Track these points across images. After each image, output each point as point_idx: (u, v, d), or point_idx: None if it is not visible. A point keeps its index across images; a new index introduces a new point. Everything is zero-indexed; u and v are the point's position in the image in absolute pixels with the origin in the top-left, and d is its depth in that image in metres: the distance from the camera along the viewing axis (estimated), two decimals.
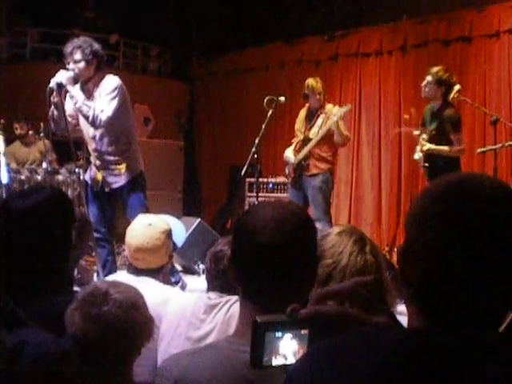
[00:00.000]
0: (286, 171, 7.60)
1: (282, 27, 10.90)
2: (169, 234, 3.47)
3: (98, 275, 5.32)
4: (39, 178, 7.83)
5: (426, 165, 6.53)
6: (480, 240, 1.10)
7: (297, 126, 7.62)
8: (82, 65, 5.55)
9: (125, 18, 11.36)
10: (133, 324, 2.13)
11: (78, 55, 5.56)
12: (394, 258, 8.91)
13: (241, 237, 1.78)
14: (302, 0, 10.65)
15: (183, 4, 12.35)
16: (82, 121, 5.74)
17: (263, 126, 6.77)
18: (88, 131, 5.80)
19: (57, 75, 5.47)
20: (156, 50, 12.38)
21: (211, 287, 2.83)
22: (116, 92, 5.59)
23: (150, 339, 2.23)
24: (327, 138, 7.23)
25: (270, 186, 9.42)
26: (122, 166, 5.77)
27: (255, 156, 6.65)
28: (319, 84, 7.40)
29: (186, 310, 2.81)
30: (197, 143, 12.51)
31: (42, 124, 8.54)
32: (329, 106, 7.37)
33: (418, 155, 6.54)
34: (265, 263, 1.71)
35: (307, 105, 7.53)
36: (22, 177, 7.78)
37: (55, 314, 1.61)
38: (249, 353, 1.58)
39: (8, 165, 7.89)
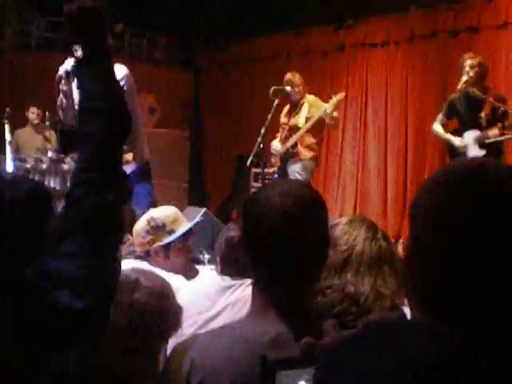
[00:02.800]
0: (272, 160, 7.64)
1: (289, 17, 10.84)
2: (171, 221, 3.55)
3: None
4: (44, 166, 7.81)
5: None
6: (486, 227, 1.06)
7: (282, 120, 7.69)
8: None
9: (130, 7, 11.32)
10: (162, 312, 2.12)
11: None
12: (399, 250, 8.90)
13: (252, 218, 1.77)
14: None
15: None
16: None
17: (269, 116, 6.77)
18: None
19: (65, 63, 5.45)
20: (162, 40, 12.34)
21: (225, 272, 2.83)
22: (123, 81, 5.56)
23: (177, 328, 2.22)
24: (314, 127, 7.31)
25: (276, 176, 9.39)
26: (128, 155, 5.76)
27: (261, 146, 6.65)
28: (297, 77, 7.54)
29: (200, 292, 2.82)
30: (202, 133, 12.49)
31: (47, 113, 8.54)
32: (310, 97, 7.49)
33: None
34: (277, 244, 1.70)
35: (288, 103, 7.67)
36: (28, 165, 7.76)
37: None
38: (268, 333, 1.59)
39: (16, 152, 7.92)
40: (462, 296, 1.08)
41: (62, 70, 5.40)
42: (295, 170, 7.31)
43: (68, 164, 7.95)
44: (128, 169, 5.77)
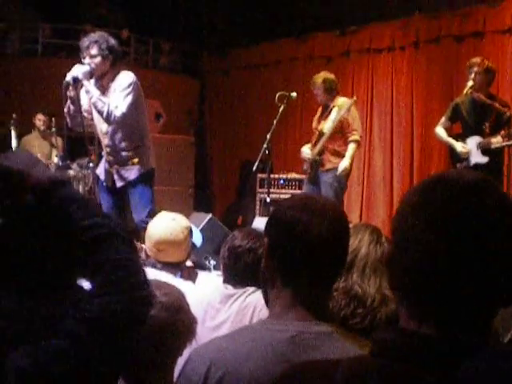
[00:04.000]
0: (304, 167, 7.55)
1: (293, 22, 10.86)
2: (190, 231, 3.51)
3: None
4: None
5: None
6: (464, 236, 1.09)
7: (313, 124, 7.60)
8: (97, 60, 5.56)
9: (136, 14, 11.37)
10: (179, 326, 2.12)
11: (94, 50, 5.57)
12: None
13: (282, 226, 1.80)
14: None
15: (194, 0, 12.34)
16: (95, 116, 5.75)
17: (275, 122, 6.75)
18: (101, 127, 5.82)
19: (73, 69, 5.48)
20: (167, 46, 12.38)
21: (229, 282, 2.84)
22: (131, 88, 5.60)
23: (192, 339, 2.22)
24: (341, 132, 7.18)
25: (281, 182, 9.39)
26: (135, 161, 5.78)
27: (266, 152, 6.63)
28: (319, 79, 7.38)
29: (203, 300, 2.82)
30: (208, 139, 12.50)
31: (53, 119, 8.57)
32: (340, 100, 7.32)
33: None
34: (304, 256, 1.74)
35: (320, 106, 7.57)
36: None
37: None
38: (289, 331, 1.61)
39: None
40: (443, 299, 1.11)
41: (69, 77, 5.43)
42: (327, 182, 7.19)
43: (74, 170, 7.98)
44: (132, 174, 5.79)
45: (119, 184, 5.83)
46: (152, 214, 4.93)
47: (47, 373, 1.50)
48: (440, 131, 7.05)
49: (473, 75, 6.55)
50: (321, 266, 1.76)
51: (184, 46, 12.63)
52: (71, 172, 7.99)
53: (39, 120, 8.99)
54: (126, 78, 5.66)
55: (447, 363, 1.05)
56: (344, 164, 7.08)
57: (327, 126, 7.22)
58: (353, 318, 2.27)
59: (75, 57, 11.04)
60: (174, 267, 3.39)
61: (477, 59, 6.77)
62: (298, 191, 8.83)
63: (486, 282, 1.09)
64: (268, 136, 6.67)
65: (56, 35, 11.45)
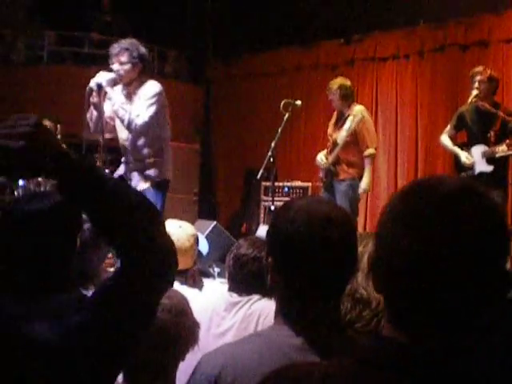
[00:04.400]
0: (320, 174, 7.54)
1: (298, 31, 10.88)
2: (196, 238, 3.52)
3: None
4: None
5: None
6: (449, 245, 1.10)
7: (328, 130, 7.60)
8: (127, 67, 5.60)
9: (141, 21, 11.39)
10: (180, 329, 2.12)
11: (124, 57, 5.61)
12: None
13: (283, 246, 1.77)
14: (318, 3, 10.63)
15: (199, 7, 12.36)
16: (117, 123, 5.79)
17: (279, 130, 6.76)
18: (122, 134, 5.84)
19: (97, 76, 5.51)
20: (172, 53, 12.40)
21: (234, 290, 2.84)
22: (155, 98, 5.64)
23: (194, 344, 2.22)
24: (355, 143, 7.16)
25: (286, 189, 9.40)
26: (151, 170, 5.81)
27: (271, 160, 6.64)
28: (335, 84, 7.40)
29: (208, 308, 2.83)
30: (212, 146, 12.51)
31: (59, 126, 8.58)
32: (356, 108, 7.30)
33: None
34: (310, 264, 1.72)
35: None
36: (39, 178, 7.80)
37: (58, 311, 1.62)
38: (297, 337, 1.61)
39: None
40: (424, 306, 1.12)
41: (93, 83, 5.48)
42: (342, 191, 7.17)
43: None
44: (147, 183, 5.81)
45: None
46: None
47: (70, 345, 1.51)
48: (445, 140, 7.05)
49: (476, 84, 6.57)
50: (329, 276, 1.74)
51: (189, 54, 12.65)
52: None
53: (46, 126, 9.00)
54: (152, 87, 5.71)
55: (420, 370, 1.07)
56: (363, 186, 7.10)
57: (341, 136, 7.20)
58: (359, 322, 2.27)
59: (80, 64, 11.15)
60: (180, 274, 3.39)
61: (479, 68, 6.79)
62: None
63: (462, 290, 1.10)
64: (273, 144, 6.68)
65: (61, 42, 11.48)
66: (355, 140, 7.13)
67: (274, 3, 11.13)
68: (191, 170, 10.15)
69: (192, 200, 10.02)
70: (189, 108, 12.02)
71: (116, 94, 5.58)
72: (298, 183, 9.39)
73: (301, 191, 9.55)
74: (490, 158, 6.55)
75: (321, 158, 7.45)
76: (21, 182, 7.48)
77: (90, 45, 11.27)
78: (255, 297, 2.74)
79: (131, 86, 5.72)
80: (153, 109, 5.58)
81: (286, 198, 9.03)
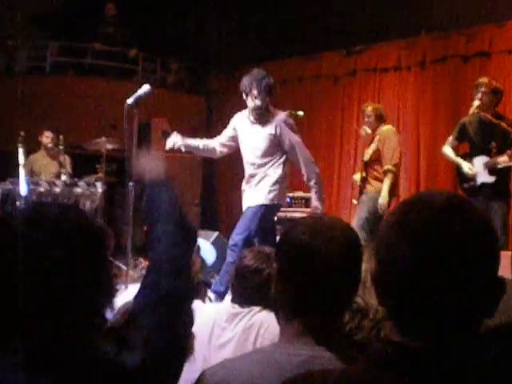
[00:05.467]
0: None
1: (300, 41, 10.90)
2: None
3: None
4: (58, 190, 7.86)
5: None
6: (442, 259, 1.16)
7: None
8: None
9: (144, 33, 11.43)
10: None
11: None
12: None
13: (292, 252, 1.79)
14: (320, 14, 10.65)
15: (201, 19, 12.40)
16: (245, 146, 6.43)
17: None
18: (248, 158, 6.43)
19: (138, 91, 5.63)
20: (174, 65, 12.43)
21: (236, 301, 2.84)
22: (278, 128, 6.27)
23: (190, 356, 2.21)
24: (379, 160, 7.39)
25: (288, 200, 9.39)
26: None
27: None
28: (370, 108, 7.70)
29: (210, 319, 2.83)
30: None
31: (61, 137, 8.59)
32: (384, 128, 7.54)
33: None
34: (318, 277, 1.74)
35: None
36: (41, 189, 7.81)
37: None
38: (299, 355, 1.61)
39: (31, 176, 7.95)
40: (427, 312, 1.18)
41: (131, 99, 5.53)
42: (364, 201, 7.44)
43: (81, 187, 8.00)
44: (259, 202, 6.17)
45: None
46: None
47: None
48: (448, 151, 7.06)
49: (480, 95, 6.57)
50: (332, 292, 1.75)
51: (191, 65, 12.69)
52: (78, 190, 8.01)
53: (47, 137, 8.98)
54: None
55: (428, 370, 1.12)
56: (380, 201, 7.22)
57: (366, 154, 7.53)
58: (359, 332, 2.27)
59: (83, 75, 11.18)
60: None
61: (484, 79, 6.79)
62: (305, 209, 8.86)
63: (457, 297, 1.16)
64: None
65: (64, 53, 11.51)
66: (378, 158, 7.37)
67: (276, 14, 11.16)
68: (194, 180, 10.16)
69: (194, 210, 10.01)
70: (191, 119, 12.04)
71: None
72: (301, 194, 9.38)
73: (303, 202, 9.54)
74: (492, 169, 6.55)
75: (356, 176, 7.83)
76: (23, 193, 7.49)
77: (92, 55, 11.30)
78: (256, 308, 2.74)
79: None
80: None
81: (289, 209, 9.04)
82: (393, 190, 7.33)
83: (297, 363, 1.66)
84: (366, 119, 7.63)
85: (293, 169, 6.65)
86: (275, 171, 6.24)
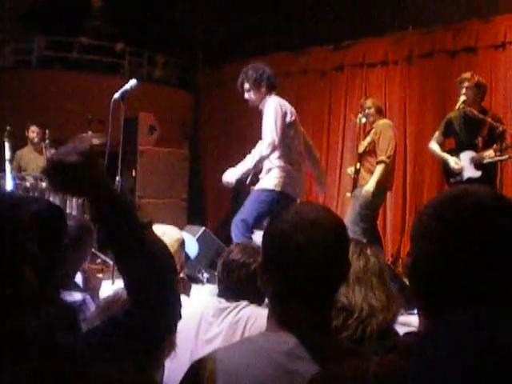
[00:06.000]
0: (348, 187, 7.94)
1: (287, 37, 10.90)
2: (181, 243, 3.48)
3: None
4: (44, 185, 7.83)
5: None
6: (481, 246, 1.21)
7: None
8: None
9: (131, 27, 11.39)
10: None
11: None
12: (399, 269, 8.89)
13: (276, 242, 1.80)
14: (307, 9, 10.66)
15: (188, 13, 12.38)
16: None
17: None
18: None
19: (125, 86, 5.55)
20: (161, 59, 12.40)
21: (223, 296, 2.83)
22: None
23: (172, 349, 2.20)
24: (374, 152, 7.40)
25: None
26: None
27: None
28: (368, 102, 7.71)
29: (197, 314, 2.82)
30: (201, 152, 12.51)
31: (47, 131, 8.55)
32: (380, 121, 7.56)
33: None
34: (300, 268, 1.74)
35: None
36: (27, 184, 7.78)
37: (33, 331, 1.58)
38: (288, 343, 1.62)
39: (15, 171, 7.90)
40: (464, 302, 1.22)
41: (118, 93, 5.51)
42: (356, 196, 7.42)
43: None
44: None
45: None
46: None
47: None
48: (434, 146, 7.08)
49: (464, 90, 6.60)
50: (316, 282, 1.75)
51: (178, 60, 12.66)
52: None
53: (33, 132, 8.95)
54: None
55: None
56: (366, 187, 7.19)
57: (361, 146, 7.56)
58: (344, 331, 2.28)
59: (69, 69, 11.13)
60: None
61: (467, 74, 6.81)
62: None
63: (499, 287, 1.21)
64: None
65: (50, 47, 11.45)
66: (373, 149, 7.39)
67: (264, 10, 11.15)
68: (180, 175, 10.13)
69: (181, 205, 10.00)
70: (178, 113, 12.02)
71: None
72: None
73: None
74: (478, 164, 6.57)
75: (350, 169, 7.80)
76: (9, 188, 7.46)
77: (79, 50, 11.25)
78: (243, 303, 2.74)
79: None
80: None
81: None
82: (386, 183, 7.32)
83: (285, 351, 1.68)
84: (367, 110, 7.62)
85: None
86: (275, 160, 6.21)
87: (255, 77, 6.30)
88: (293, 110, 6.36)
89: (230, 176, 6.14)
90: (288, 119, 6.15)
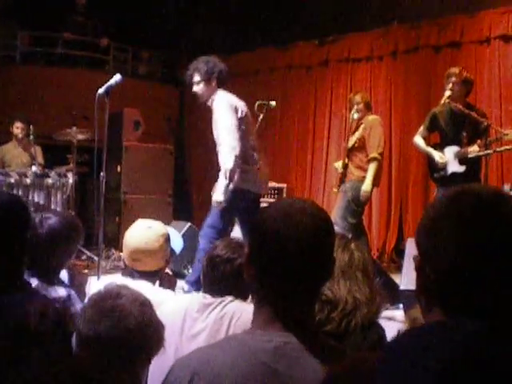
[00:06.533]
0: (334, 181, 7.89)
1: (272, 32, 10.90)
2: (167, 238, 3.46)
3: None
4: (28, 181, 7.79)
5: None
6: (493, 244, 1.24)
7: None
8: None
9: (115, 22, 11.34)
10: (144, 320, 2.10)
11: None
12: (385, 264, 8.94)
13: (261, 236, 1.78)
14: (293, 5, 10.65)
15: (174, 8, 12.35)
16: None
17: (254, 131, 6.76)
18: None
19: (111, 80, 5.54)
20: (146, 54, 12.37)
21: (208, 291, 2.82)
22: None
23: (160, 346, 2.19)
24: (363, 148, 7.31)
25: None
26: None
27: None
28: (358, 96, 7.54)
29: (181, 309, 2.81)
30: (186, 147, 12.49)
31: (31, 127, 8.50)
32: (370, 117, 7.45)
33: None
34: (285, 261, 1.72)
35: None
36: (12, 180, 7.73)
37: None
38: (272, 342, 1.61)
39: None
40: (475, 297, 1.25)
41: (103, 89, 5.49)
42: (344, 190, 7.34)
43: (52, 179, 7.93)
44: None
45: None
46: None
47: None
48: (419, 141, 7.08)
49: (450, 85, 6.60)
50: (300, 276, 1.73)
51: (163, 55, 12.63)
52: (49, 180, 7.95)
53: (17, 128, 8.89)
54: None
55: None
56: (363, 188, 7.14)
57: (350, 141, 7.44)
58: (328, 324, 2.28)
59: (53, 64, 11.07)
60: (152, 276, 3.35)
61: (455, 69, 6.82)
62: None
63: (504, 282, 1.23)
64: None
65: (34, 43, 11.40)
66: (363, 145, 7.30)
67: (249, 4, 11.14)
68: (165, 170, 10.10)
69: (166, 201, 9.97)
70: (163, 109, 12.01)
71: None
72: (273, 184, 9.39)
73: (276, 192, 9.56)
74: (462, 159, 6.59)
75: (337, 164, 7.68)
76: None
77: (63, 45, 11.19)
78: (228, 298, 2.73)
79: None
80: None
81: (261, 199, 9.04)
82: (376, 179, 7.31)
83: (269, 349, 1.67)
84: (356, 106, 7.52)
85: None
86: None
87: (206, 69, 6.20)
88: (242, 104, 6.22)
89: (216, 198, 6.08)
90: (239, 115, 6.08)
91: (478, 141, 6.48)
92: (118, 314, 2.03)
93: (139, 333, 2.07)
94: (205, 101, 6.17)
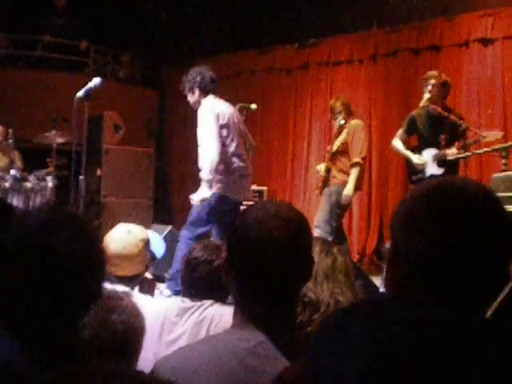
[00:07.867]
0: (317, 184, 7.83)
1: (253, 35, 10.90)
2: (146, 243, 3.44)
3: None
4: (7, 185, 7.74)
5: None
6: (465, 234, 1.24)
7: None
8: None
9: (95, 25, 11.30)
10: (136, 331, 2.09)
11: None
12: (365, 266, 8.95)
13: (237, 241, 1.80)
14: (273, 8, 10.66)
15: (154, 11, 12.32)
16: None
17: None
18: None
19: (89, 84, 5.55)
20: (126, 57, 12.32)
21: (186, 294, 2.81)
22: None
23: (139, 350, 2.18)
24: (346, 153, 7.30)
25: None
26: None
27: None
28: (338, 103, 7.52)
29: (160, 314, 2.80)
30: (167, 150, 12.46)
31: (10, 130, 8.45)
32: (352, 122, 7.43)
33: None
34: (263, 264, 1.74)
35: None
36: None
37: None
38: (251, 340, 1.64)
39: None
40: (444, 289, 1.25)
41: (82, 92, 5.46)
42: (327, 194, 7.31)
43: (31, 182, 7.89)
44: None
45: None
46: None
47: None
48: (397, 144, 7.11)
49: (429, 87, 6.63)
50: (278, 277, 1.75)
51: (143, 58, 12.59)
52: (28, 184, 7.90)
53: None
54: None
55: None
56: (345, 192, 7.14)
57: (334, 145, 7.43)
58: (310, 325, 2.29)
59: (33, 67, 11.00)
60: (130, 281, 3.32)
61: (434, 72, 6.86)
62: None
63: (479, 278, 1.24)
64: None
65: (13, 45, 11.32)
66: (345, 150, 7.28)
67: (230, 7, 11.13)
68: (146, 174, 10.05)
69: (147, 204, 9.94)
70: (143, 112, 11.97)
71: None
72: (254, 187, 9.38)
73: (256, 195, 9.55)
74: (440, 161, 6.62)
75: (319, 166, 7.66)
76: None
77: (42, 48, 11.13)
78: (207, 302, 2.72)
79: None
80: None
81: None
82: (358, 183, 7.31)
83: (247, 349, 1.69)
84: (339, 115, 7.50)
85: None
86: None
87: (188, 79, 6.52)
88: (228, 111, 6.38)
89: (195, 196, 6.17)
90: (220, 121, 6.16)
91: (457, 143, 6.51)
92: (112, 328, 2.02)
93: (129, 345, 2.07)
94: (196, 109, 6.49)
